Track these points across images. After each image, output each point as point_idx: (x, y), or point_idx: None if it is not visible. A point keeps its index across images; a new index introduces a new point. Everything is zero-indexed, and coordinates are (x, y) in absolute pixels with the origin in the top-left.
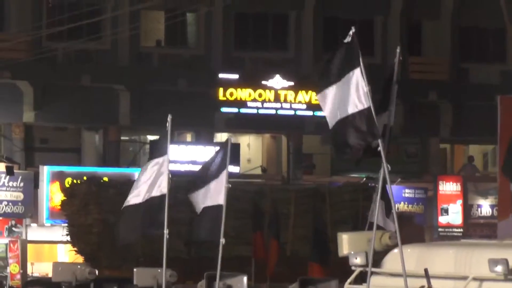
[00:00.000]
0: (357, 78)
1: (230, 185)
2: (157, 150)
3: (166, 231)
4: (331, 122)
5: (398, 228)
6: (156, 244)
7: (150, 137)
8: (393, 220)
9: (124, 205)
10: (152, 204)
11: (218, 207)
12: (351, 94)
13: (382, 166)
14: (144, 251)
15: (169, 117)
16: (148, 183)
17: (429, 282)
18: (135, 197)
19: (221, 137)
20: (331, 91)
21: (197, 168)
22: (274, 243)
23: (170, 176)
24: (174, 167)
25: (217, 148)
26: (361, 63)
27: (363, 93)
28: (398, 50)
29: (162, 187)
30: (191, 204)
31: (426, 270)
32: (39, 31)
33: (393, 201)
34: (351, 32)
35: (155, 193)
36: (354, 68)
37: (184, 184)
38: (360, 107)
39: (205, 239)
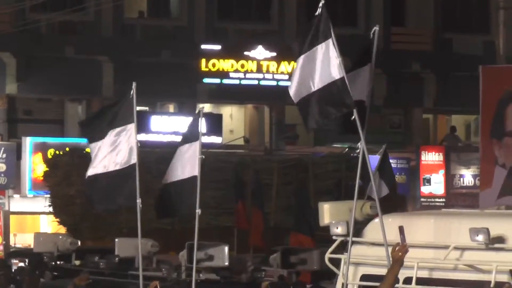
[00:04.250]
0: (328, 49)
1: (203, 157)
2: (121, 117)
3: (138, 200)
4: (301, 92)
5: (383, 198)
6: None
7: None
8: (382, 187)
9: (90, 174)
10: (125, 174)
11: (193, 178)
12: (324, 65)
13: (360, 137)
14: (127, 222)
15: (134, 85)
16: (115, 152)
17: (403, 240)
18: (102, 167)
19: (205, 107)
20: (300, 62)
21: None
22: (258, 214)
23: (138, 145)
24: (157, 137)
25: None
26: (333, 35)
27: (336, 64)
28: (376, 28)
29: (132, 157)
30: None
31: (401, 230)
32: (22, 2)
33: (371, 170)
34: (321, 3)
35: (126, 163)
36: (326, 40)
37: (167, 155)
38: (333, 77)
39: (184, 213)
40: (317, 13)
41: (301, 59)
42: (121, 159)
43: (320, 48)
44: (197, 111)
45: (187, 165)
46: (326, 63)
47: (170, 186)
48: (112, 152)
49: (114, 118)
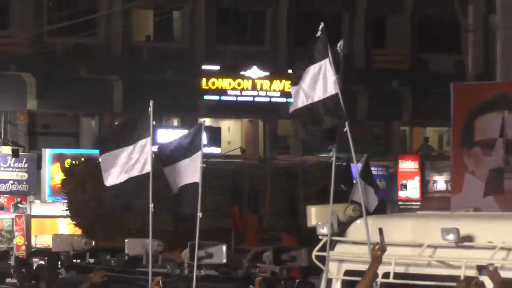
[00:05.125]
0: (326, 67)
1: (204, 165)
2: (139, 132)
3: (151, 205)
4: (298, 106)
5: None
6: (145, 218)
7: None
8: (369, 199)
9: (111, 182)
10: (137, 182)
11: (195, 184)
12: (321, 81)
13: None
14: (136, 224)
15: (151, 103)
16: (131, 161)
17: (382, 240)
18: (120, 175)
19: (205, 121)
20: (305, 76)
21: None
22: (253, 217)
23: (153, 156)
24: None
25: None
26: (330, 55)
27: (332, 81)
28: (340, 43)
29: (146, 166)
30: (167, 180)
31: (381, 231)
32: (40, 27)
33: (358, 177)
34: (320, 27)
35: (139, 171)
36: (324, 59)
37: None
38: (329, 93)
39: (186, 212)
40: (317, 35)
41: (303, 75)
42: (138, 168)
43: (319, 66)
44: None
45: (189, 173)
46: (323, 79)
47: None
48: (131, 161)
49: (133, 132)
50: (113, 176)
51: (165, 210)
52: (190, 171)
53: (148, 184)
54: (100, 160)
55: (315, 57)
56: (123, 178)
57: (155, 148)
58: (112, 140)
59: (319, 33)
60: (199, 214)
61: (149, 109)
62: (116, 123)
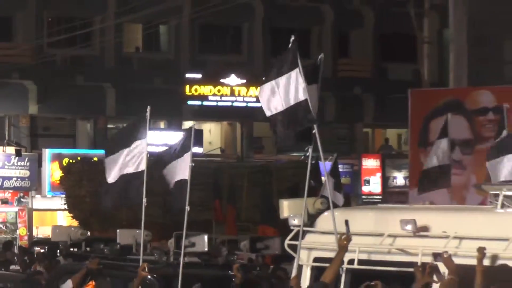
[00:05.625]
0: (296, 76)
1: (193, 164)
2: (136, 134)
3: (144, 199)
4: (271, 111)
5: (335, 199)
6: (136, 211)
7: None
8: (335, 194)
9: (110, 179)
10: (133, 178)
11: (185, 181)
12: (292, 88)
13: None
14: (127, 217)
15: (148, 108)
16: (129, 160)
17: (348, 231)
18: (120, 172)
19: (188, 124)
20: (275, 86)
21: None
22: (232, 210)
23: (148, 156)
24: (150, 148)
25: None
26: (299, 64)
27: (301, 88)
28: (321, 57)
29: (141, 165)
30: (164, 179)
31: (347, 223)
32: (41, 40)
33: (327, 174)
34: (291, 40)
35: (136, 169)
36: (295, 68)
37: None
38: (299, 99)
39: (177, 207)
40: (289, 46)
41: (275, 83)
42: (134, 166)
43: (290, 75)
44: (185, 128)
45: (180, 171)
46: (294, 86)
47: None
48: (129, 160)
49: (132, 134)
50: (114, 174)
51: (156, 205)
52: (181, 169)
53: (142, 181)
54: (105, 160)
55: (288, 66)
56: (122, 172)
57: (152, 149)
58: (116, 142)
59: (290, 44)
60: (187, 208)
61: (146, 114)
62: (109, 126)
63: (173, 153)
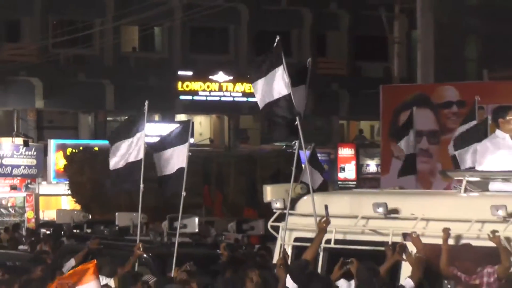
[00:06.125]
0: (281, 72)
1: (190, 153)
2: (136, 127)
3: (141, 185)
4: (261, 105)
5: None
6: (133, 196)
7: None
8: (315, 179)
9: (113, 167)
10: (132, 166)
11: (181, 169)
12: (277, 84)
13: (299, 137)
14: (125, 201)
15: (146, 103)
16: (129, 150)
17: (327, 215)
18: (121, 161)
19: (180, 117)
20: (263, 82)
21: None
22: (220, 195)
23: (145, 146)
24: (146, 139)
25: (177, 125)
26: (284, 62)
27: (285, 84)
28: (309, 60)
29: (139, 153)
30: (159, 165)
31: (326, 207)
32: (46, 41)
33: (306, 162)
34: (276, 40)
35: (135, 158)
36: (279, 66)
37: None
38: (283, 93)
39: (173, 191)
40: (274, 46)
41: (262, 80)
42: (134, 155)
43: (276, 71)
44: (178, 120)
45: (178, 159)
46: (279, 82)
47: (166, 174)
48: (130, 150)
49: (133, 127)
50: (116, 162)
51: (151, 190)
52: (179, 158)
53: (140, 168)
54: (96, 148)
55: (273, 64)
56: (122, 164)
57: (148, 139)
58: (118, 133)
59: (275, 44)
60: (184, 193)
61: (144, 108)
62: (108, 119)
63: (169, 142)
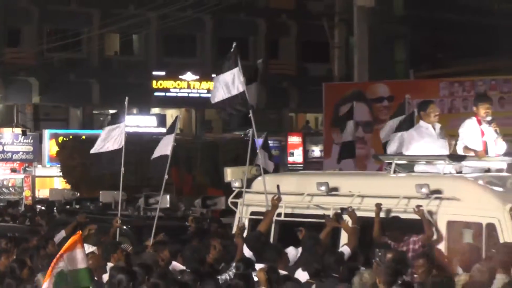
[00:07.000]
0: (237, 73)
1: (175, 143)
2: (117, 118)
3: (122, 168)
4: (214, 100)
5: (266, 167)
6: (116, 177)
7: (111, 111)
8: (267, 163)
9: (94, 151)
10: (113, 152)
11: (166, 155)
12: (233, 83)
13: (252, 126)
14: (108, 181)
15: (126, 99)
16: (112, 138)
17: (279, 194)
18: (103, 146)
19: (155, 111)
20: (221, 80)
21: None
22: (188, 176)
23: (126, 135)
24: (126, 129)
25: (153, 117)
26: (239, 64)
27: (240, 82)
28: (260, 61)
29: (120, 141)
30: (136, 152)
31: (278, 186)
32: (41, 46)
33: (259, 148)
34: (233, 46)
35: (116, 145)
36: (236, 67)
37: (133, 140)
38: (239, 90)
39: (157, 175)
40: (231, 51)
41: (221, 77)
42: (116, 143)
43: (232, 72)
44: (153, 113)
45: (164, 148)
46: (235, 81)
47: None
48: (112, 137)
49: (116, 118)
50: (97, 146)
51: (130, 172)
52: (164, 146)
53: (121, 154)
54: (84, 137)
55: (231, 66)
56: (104, 149)
57: (127, 129)
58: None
59: (232, 48)
60: (166, 176)
61: (125, 103)
62: (94, 112)
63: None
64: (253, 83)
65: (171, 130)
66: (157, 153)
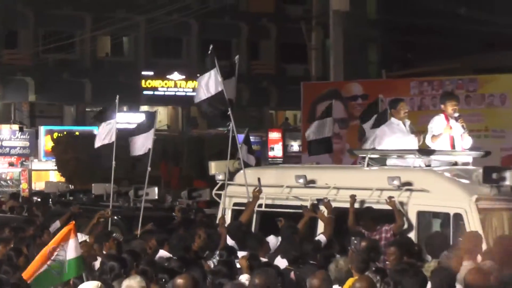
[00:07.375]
0: (215, 73)
1: (156, 137)
2: (109, 115)
3: (113, 162)
4: (197, 99)
5: (248, 161)
6: (107, 170)
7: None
8: (249, 157)
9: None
10: (106, 147)
11: (149, 149)
12: (212, 82)
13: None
14: (99, 174)
15: (117, 97)
16: (104, 134)
17: (260, 186)
18: (99, 141)
19: (144, 108)
20: (201, 81)
21: (129, 127)
22: (175, 169)
23: (116, 131)
24: (117, 125)
25: (142, 114)
26: (217, 65)
27: (218, 82)
28: (237, 57)
29: (112, 137)
30: (128, 147)
31: (259, 179)
32: (37, 47)
33: (241, 143)
34: (210, 48)
35: (108, 140)
36: (214, 68)
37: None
38: (218, 90)
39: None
40: (209, 52)
41: (201, 78)
42: (109, 137)
43: (210, 73)
44: (142, 110)
45: (146, 142)
46: (214, 81)
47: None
48: (106, 133)
49: (106, 115)
50: (100, 140)
51: (121, 166)
52: (147, 141)
53: (113, 149)
54: (77, 133)
55: (209, 67)
56: (99, 144)
57: (118, 126)
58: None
59: (210, 51)
60: (149, 169)
61: (116, 101)
62: (87, 109)
63: (139, 129)
64: (231, 77)
65: (150, 126)
66: (144, 149)
